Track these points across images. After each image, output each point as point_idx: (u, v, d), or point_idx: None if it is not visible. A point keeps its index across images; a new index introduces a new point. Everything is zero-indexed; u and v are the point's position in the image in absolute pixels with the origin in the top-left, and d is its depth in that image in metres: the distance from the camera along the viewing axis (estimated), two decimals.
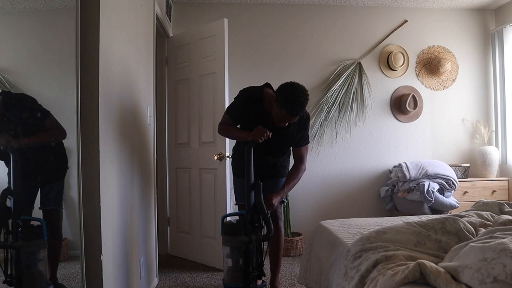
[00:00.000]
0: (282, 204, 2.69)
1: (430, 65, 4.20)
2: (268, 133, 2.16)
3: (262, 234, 2.14)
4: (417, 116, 4.18)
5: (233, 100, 2.51)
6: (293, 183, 2.49)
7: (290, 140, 2.47)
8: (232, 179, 2.78)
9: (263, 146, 2.27)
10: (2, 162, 1.47)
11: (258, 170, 2.20)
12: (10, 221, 1.44)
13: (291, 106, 2.13)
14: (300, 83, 2.23)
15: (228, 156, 3.21)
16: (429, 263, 1.27)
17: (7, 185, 1.45)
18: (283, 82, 2.24)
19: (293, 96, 2.13)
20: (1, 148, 1.43)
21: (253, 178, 2.13)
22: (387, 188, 3.96)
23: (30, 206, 1.54)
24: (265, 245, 2.33)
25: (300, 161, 2.53)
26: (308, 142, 2.54)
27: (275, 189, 2.53)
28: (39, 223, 1.49)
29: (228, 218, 2.19)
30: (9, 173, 1.45)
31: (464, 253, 1.29)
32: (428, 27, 4.23)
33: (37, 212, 1.57)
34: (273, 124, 2.30)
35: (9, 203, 1.43)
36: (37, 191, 1.59)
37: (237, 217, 2.21)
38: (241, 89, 2.50)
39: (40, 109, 1.57)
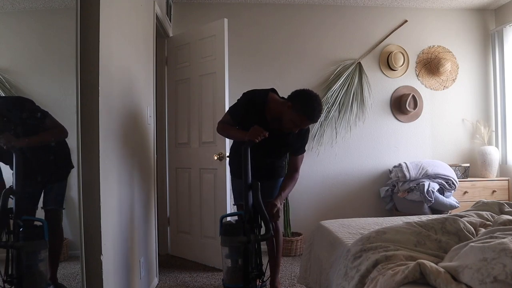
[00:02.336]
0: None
1: (430, 65, 4.20)
2: (264, 132, 2.16)
3: (261, 234, 2.14)
4: (417, 116, 4.18)
5: (236, 101, 2.51)
6: (289, 190, 2.51)
7: (289, 144, 2.47)
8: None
9: (261, 149, 2.28)
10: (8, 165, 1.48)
11: (256, 171, 2.20)
12: (12, 221, 1.44)
13: (312, 113, 2.25)
14: (303, 85, 2.34)
15: (228, 156, 3.20)
16: (429, 263, 1.27)
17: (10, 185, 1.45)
18: (295, 90, 2.32)
19: (313, 105, 2.24)
20: (4, 147, 1.43)
21: (251, 178, 2.13)
22: (387, 188, 3.96)
23: (33, 206, 1.54)
24: (263, 245, 2.33)
25: (294, 170, 2.53)
26: (304, 151, 2.55)
27: (273, 189, 2.53)
28: (41, 224, 1.49)
29: (228, 218, 2.19)
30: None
31: (464, 253, 1.29)
32: (428, 27, 4.23)
33: (41, 212, 1.57)
34: (271, 128, 2.30)
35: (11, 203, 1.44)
36: (41, 191, 1.59)
37: (236, 217, 2.21)
38: (245, 92, 2.50)
39: (39, 109, 1.57)
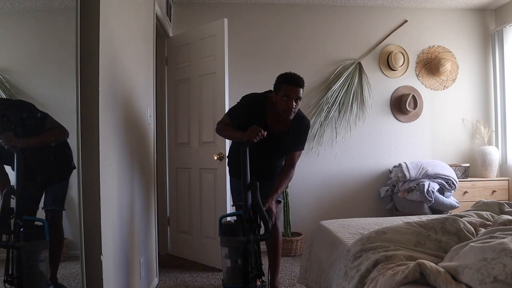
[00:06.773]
0: (279, 204, 2.69)
1: (430, 65, 4.20)
2: (263, 132, 2.16)
3: (260, 234, 2.14)
4: (417, 116, 4.18)
5: (236, 104, 2.51)
6: (284, 186, 2.53)
7: (288, 144, 2.48)
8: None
9: (260, 149, 2.28)
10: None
11: (254, 172, 2.19)
12: (12, 221, 1.44)
13: (289, 76, 2.31)
14: None
15: (227, 157, 3.21)
16: (429, 263, 1.28)
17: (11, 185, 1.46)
18: None
19: (285, 73, 2.35)
20: (5, 147, 1.43)
21: (250, 178, 2.13)
22: (387, 188, 3.96)
23: (34, 206, 1.54)
24: (262, 245, 2.32)
25: (290, 164, 2.52)
26: (302, 148, 2.56)
27: (272, 189, 2.54)
28: (42, 224, 1.50)
29: (228, 219, 2.19)
30: None
31: (464, 253, 1.29)
32: (428, 27, 4.23)
33: (42, 213, 1.57)
34: (270, 130, 2.31)
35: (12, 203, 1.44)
36: (42, 192, 1.59)
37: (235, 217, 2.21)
38: (245, 95, 2.52)
39: (39, 111, 1.57)
